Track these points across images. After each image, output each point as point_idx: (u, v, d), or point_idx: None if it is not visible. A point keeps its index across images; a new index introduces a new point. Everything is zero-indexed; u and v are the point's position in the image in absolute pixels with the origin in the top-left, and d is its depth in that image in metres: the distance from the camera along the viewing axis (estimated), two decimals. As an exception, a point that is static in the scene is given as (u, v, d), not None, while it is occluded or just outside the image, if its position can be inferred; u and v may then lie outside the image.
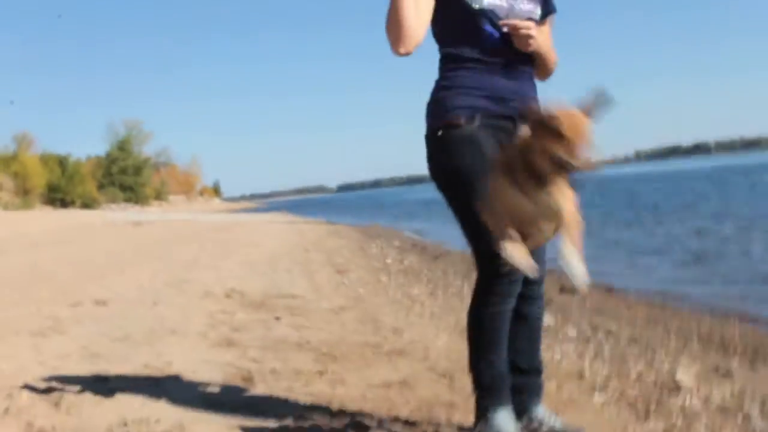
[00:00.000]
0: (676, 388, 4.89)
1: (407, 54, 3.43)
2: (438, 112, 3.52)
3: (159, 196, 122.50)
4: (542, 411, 3.74)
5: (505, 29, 3.42)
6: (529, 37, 3.41)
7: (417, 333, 6.84)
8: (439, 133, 3.48)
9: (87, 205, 79.29)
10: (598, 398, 4.67)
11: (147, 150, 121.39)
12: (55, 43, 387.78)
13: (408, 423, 4.05)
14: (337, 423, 4.03)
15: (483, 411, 3.54)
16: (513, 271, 3.30)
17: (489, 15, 3.42)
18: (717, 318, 7.91)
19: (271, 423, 4.03)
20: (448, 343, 6.39)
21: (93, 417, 4.16)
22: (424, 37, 3.46)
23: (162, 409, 4.28)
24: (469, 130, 3.42)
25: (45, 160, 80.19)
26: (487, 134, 3.43)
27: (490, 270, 3.39)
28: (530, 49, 3.47)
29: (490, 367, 3.53)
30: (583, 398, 4.67)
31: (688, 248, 14.75)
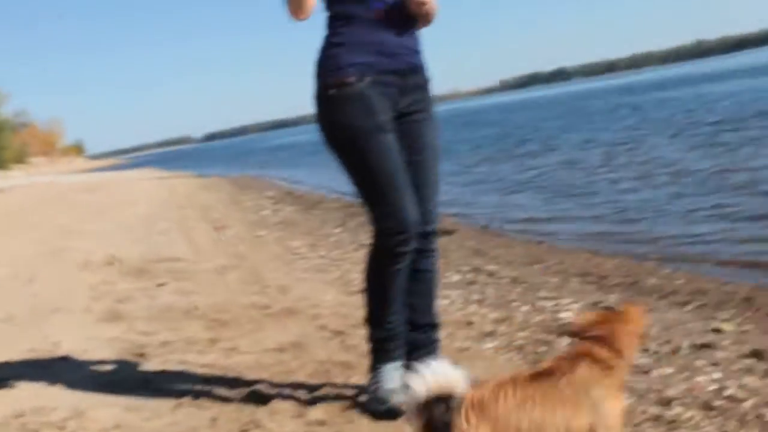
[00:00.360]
0: (561, 327, 5.04)
1: (305, 18, 3.44)
2: (328, 70, 3.48)
3: (20, 159, 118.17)
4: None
5: None
6: (424, 4, 3.43)
7: (304, 290, 6.84)
8: (330, 92, 3.45)
9: (-60, 175, 75.91)
10: (488, 345, 4.79)
11: (5, 111, 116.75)
12: None
13: (307, 388, 4.06)
14: (236, 394, 4.02)
15: (374, 367, 3.63)
16: (408, 230, 3.41)
17: None
18: (592, 252, 8.12)
19: (170, 400, 3.98)
20: (336, 297, 6.42)
21: (-15, 410, 4.04)
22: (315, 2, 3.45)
23: (57, 396, 4.19)
24: (359, 89, 3.41)
25: None
26: (378, 92, 3.43)
27: (387, 230, 3.43)
28: (422, 11, 3.47)
29: (384, 323, 3.59)
30: (475, 346, 4.78)
31: (558, 181, 15.00)
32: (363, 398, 3.70)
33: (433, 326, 3.85)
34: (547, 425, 2.39)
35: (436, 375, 2.31)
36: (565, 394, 2.44)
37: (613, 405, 2.52)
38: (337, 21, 3.50)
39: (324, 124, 3.53)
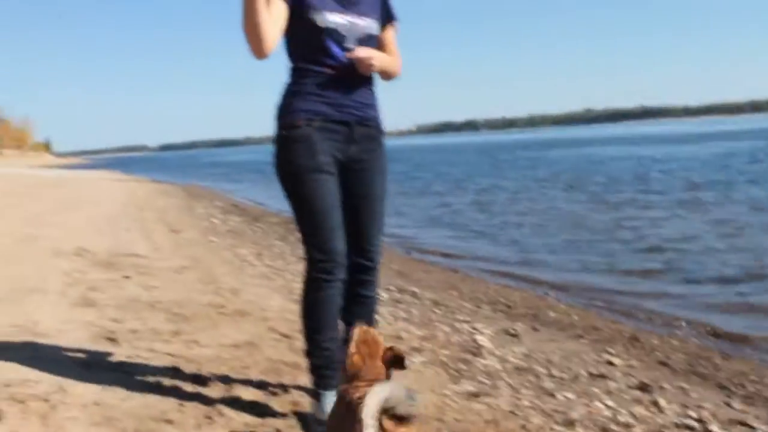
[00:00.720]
0: (477, 349, 5.12)
1: (265, 58, 3.35)
2: (283, 113, 3.46)
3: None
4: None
5: (347, 58, 3.41)
6: (371, 66, 3.42)
7: (252, 294, 6.81)
8: (282, 132, 3.43)
9: None
10: (416, 359, 4.82)
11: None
12: None
13: (261, 383, 4.06)
14: (199, 383, 4.00)
15: (314, 392, 3.54)
16: (334, 260, 3.40)
17: (333, 33, 3.40)
18: (500, 284, 8.24)
19: (143, 383, 3.94)
20: (281, 303, 6.41)
21: (-26, 378, 3.94)
22: (278, 43, 3.38)
23: (40, 370, 4.09)
24: (306, 132, 3.38)
25: None
26: (323, 136, 3.40)
27: (316, 261, 3.42)
28: (369, 72, 3.48)
29: (321, 349, 3.50)
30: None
31: (468, 218, 15.14)
32: (308, 411, 3.59)
33: None
34: None
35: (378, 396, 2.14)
36: None
37: None
38: (296, 72, 3.48)
39: (275, 160, 3.50)
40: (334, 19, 3.39)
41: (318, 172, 3.39)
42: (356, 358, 2.64)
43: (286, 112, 3.45)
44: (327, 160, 3.42)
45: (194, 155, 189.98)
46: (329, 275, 3.41)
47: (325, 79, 3.43)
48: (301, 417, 3.61)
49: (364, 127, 3.55)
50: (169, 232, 11.95)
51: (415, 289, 7.45)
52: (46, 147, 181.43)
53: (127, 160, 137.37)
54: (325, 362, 3.50)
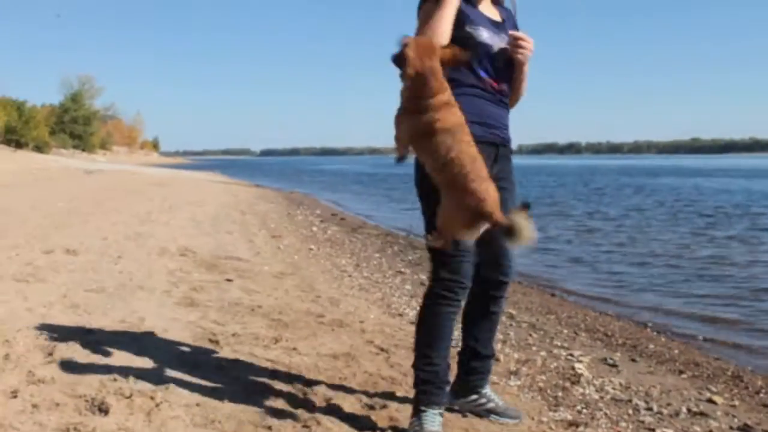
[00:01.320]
0: (575, 376, 5.02)
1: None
2: None
3: (104, 145, 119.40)
4: (490, 391, 3.92)
5: (508, 42, 3.53)
6: (527, 53, 3.55)
7: (351, 305, 6.85)
8: None
9: (39, 148, 76.59)
10: (513, 382, 4.76)
11: (97, 103, 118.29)
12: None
13: (359, 395, 4.06)
14: (298, 391, 4.03)
15: (417, 408, 3.53)
16: (462, 282, 3.45)
17: (486, 50, 3.48)
18: (598, 312, 8.06)
19: (243, 387, 4.00)
20: (379, 317, 6.43)
21: (85, 369, 4.05)
22: None
23: (145, 366, 4.20)
24: None
25: (4, 104, 77.22)
26: None
27: (443, 279, 3.45)
28: (523, 60, 3.58)
29: (431, 365, 3.50)
30: (502, 381, 4.75)
31: (568, 244, 14.85)
32: (407, 428, 3.54)
33: (491, 356, 3.92)
34: None
35: None
36: None
37: None
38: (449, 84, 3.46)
39: (417, 176, 3.52)
40: (487, 36, 3.49)
41: None
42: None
43: None
44: None
45: (295, 162, 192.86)
46: (453, 294, 3.47)
47: (476, 94, 3.49)
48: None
49: (505, 148, 3.65)
50: (270, 238, 12.15)
51: (512, 311, 7.36)
52: (154, 145, 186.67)
53: (230, 163, 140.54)
54: (432, 378, 3.51)
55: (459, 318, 3.69)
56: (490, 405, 3.86)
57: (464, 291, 3.50)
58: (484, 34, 3.47)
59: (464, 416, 3.82)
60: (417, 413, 3.51)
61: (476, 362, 3.84)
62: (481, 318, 3.77)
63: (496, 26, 3.57)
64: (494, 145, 3.54)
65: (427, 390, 3.50)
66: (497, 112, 3.58)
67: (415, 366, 3.57)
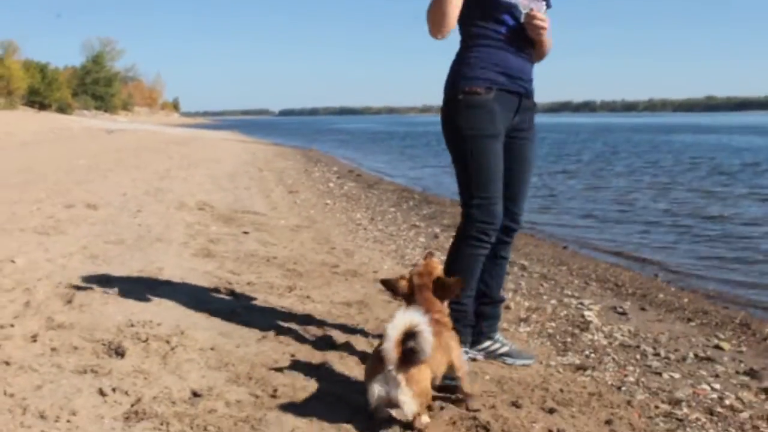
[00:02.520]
0: (585, 324, 5.03)
1: (443, 38, 3.55)
2: (460, 80, 3.60)
3: (126, 106, 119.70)
4: (501, 336, 4.00)
5: (523, 19, 3.58)
6: (543, 28, 3.59)
7: (365, 256, 6.89)
8: (460, 97, 3.57)
9: (62, 109, 77.13)
10: (523, 329, 4.79)
11: (118, 65, 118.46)
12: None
13: (370, 340, 4.09)
14: (310, 337, 4.06)
15: None
16: (495, 224, 3.58)
17: (512, 9, 3.57)
18: (609, 263, 8.05)
19: (256, 332, 4.03)
20: (393, 267, 6.46)
21: (102, 315, 4.11)
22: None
23: (162, 313, 4.24)
24: (485, 99, 3.55)
25: (27, 66, 77.58)
26: (499, 106, 3.58)
27: (476, 220, 3.57)
28: (540, 38, 3.65)
29: (459, 304, 3.62)
30: (512, 328, 4.79)
31: (583, 200, 14.76)
32: None
33: (502, 301, 4.06)
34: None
35: (405, 318, 2.68)
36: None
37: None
38: (472, 39, 3.64)
39: (449, 123, 3.66)
40: None
41: (495, 139, 3.60)
42: (403, 283, 3.32)
43: (465, 78, 3.60)
44: (501, 128, 3.62)
45: (314, 121, 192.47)
46: (486, 236, 3.60)
47: (500, 46, 3.60)
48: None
49: (528, 100, 3.75)
50: (287, 193, 12.19)
51: (524, 262, 7.37)
52: (175, 106, 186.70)
53: (249, 123, 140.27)
54: (461, 316, 3.65)
55: None
56: (504, 349, 3.93)
57: (495, 233, 3.63)
58: None
59: (473, 360, 3.84)
60: None
61: (487, 307, 3.90)
62: (491, 263, 3.82)
63: None
64: (517, 95, 3.66)
65: (455, 328, 3.49)
66: (521, 64, 3.67)
67: None
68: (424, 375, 2.75)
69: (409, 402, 2.72)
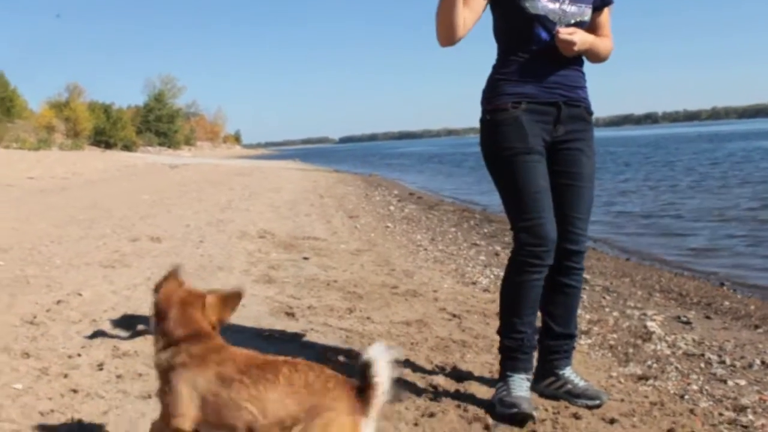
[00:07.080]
0: (647, 334, 4.97)
1: (451, 47, 3.42)
2: (489, 98, 3.46)
3: (188, 141, 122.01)
4: (569, 372, 3.64)
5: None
6: (572, 43, 3.31)
7: (425, 276, 6.91)
8: (488, 117, 3.43)
9: (127, 147, 78.93)
10: (584, 341, 4.76)
11: (179, 102, 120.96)
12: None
13: (430, 358, 4.12)
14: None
15: (504, 373, 3.47)
16: (545, 245, 3.30)
17: (543, 20, 3.35)
18: (673, 273, 7.94)
19: (317, 355, 4.07)
20: (453, 286, 6.47)
21: (166, 343, 4.21)
22: (468, 33, 3.39)
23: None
24: (513, 114, 3.35)
25: (92, 107, 79.81)
26: (532, 119, 3.37)
27: (524, 244, 3.33)
28: (572, 54, 3.38)
29: (515, 332, 3.41)
30: (573, 341, 4.75)
31: (644, 210, 14.57)
32: (493, 400, 3.45)
33: (570, 336, 3.67)
34: None
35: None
36: None
37: None
38: (503, 56, 3.48)
39: (482, 144, 3.51)
40: (546, 5, 3.35)
41: (529, 155, 3.35)
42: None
43: (492, 96, 3.45)
44: (537, 142, 3.38)
45: (374, 146, 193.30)
46: (538, 260, 3.32)
47: (532, 61, 3.39)
48: (467, 393, 3.63)
49: (573, 108, 3.48)
50: (347, 218, 12.28)
51: (586, 276, 7.31)
52: (236, 139, 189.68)
53: (310, 151, 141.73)
54: (518, 345, 3.42)
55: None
56: (568, 387, 3.58)
57: (550, 254, 3.34)
58: (542, 4, 3.33)
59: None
60: (504, 378, 3.45)
61: (550, 341, 3.62)
62: (553, 292, 3.53)
63: None
64: (554, 105, 3.42)
65: (513, 357, 3.44)
66: (559, 72, 3.43)
67: (500, 333, 3.50)
68: None
69: None
